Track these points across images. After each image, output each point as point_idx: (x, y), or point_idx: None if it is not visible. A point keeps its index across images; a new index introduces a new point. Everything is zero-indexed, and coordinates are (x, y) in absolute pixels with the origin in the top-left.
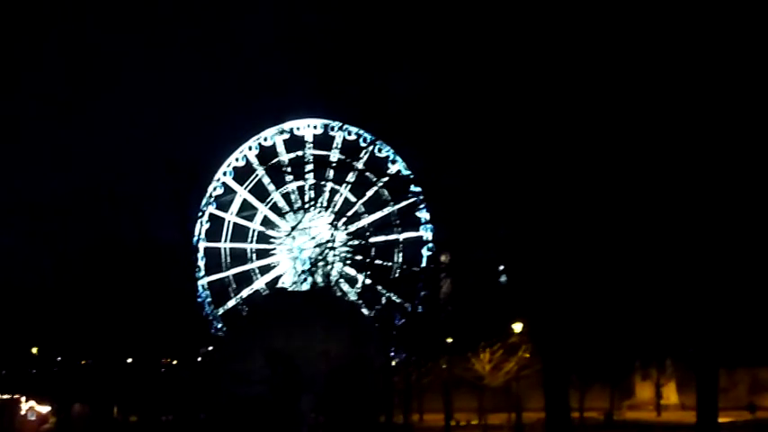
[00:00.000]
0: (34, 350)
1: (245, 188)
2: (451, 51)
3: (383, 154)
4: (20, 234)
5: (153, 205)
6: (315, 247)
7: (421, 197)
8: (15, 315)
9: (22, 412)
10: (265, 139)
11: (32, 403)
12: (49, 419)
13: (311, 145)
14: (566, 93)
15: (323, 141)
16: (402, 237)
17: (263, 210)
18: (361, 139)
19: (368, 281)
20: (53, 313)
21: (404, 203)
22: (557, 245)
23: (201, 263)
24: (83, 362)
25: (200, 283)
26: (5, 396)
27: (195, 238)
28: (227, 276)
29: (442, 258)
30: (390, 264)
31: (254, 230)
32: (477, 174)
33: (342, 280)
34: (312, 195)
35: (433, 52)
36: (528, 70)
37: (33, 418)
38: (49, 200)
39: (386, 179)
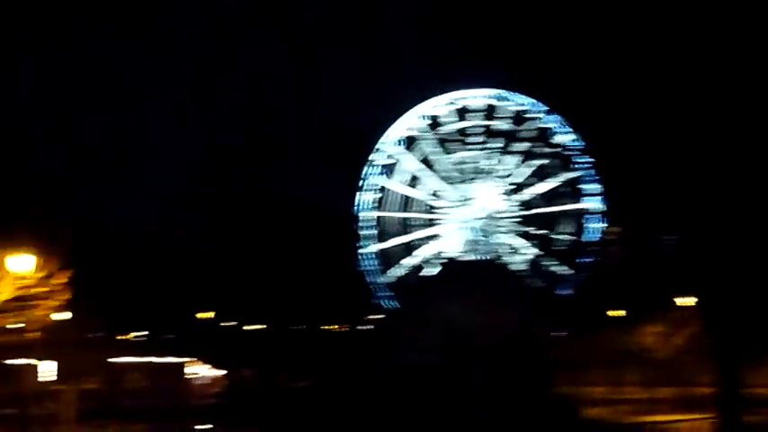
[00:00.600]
0: (205, 315)
1: (413, 157)
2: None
3: (552, 124)
4: (189, 200)
5: (319, 173)
6: (482, 217)
7: (591, 168)
8: (185, 280)
9: (190, 375)
10: (434, 108)
11: (202, 367)
12: (217, 383)
13: (480, 114)
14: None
15: (491, 111)
16: (570, 207)
17: (430, 179)
18: (530, 109)
19: (535, 252)
20: (222, 279)
21: (573, 174)
22: (733, 221)
23: (366, 231)
24: (251, 327)
25: (364, 251)
26: (174, 359)
27: (360, 207)
28: (393, 246)
29: (612, 230)
30: (557, 235)
31: (420, 200)
32: (655, 146)
33: (509, 250)
34: (480, 165)
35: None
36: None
37: (203, 381)
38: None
39: (555, 149)
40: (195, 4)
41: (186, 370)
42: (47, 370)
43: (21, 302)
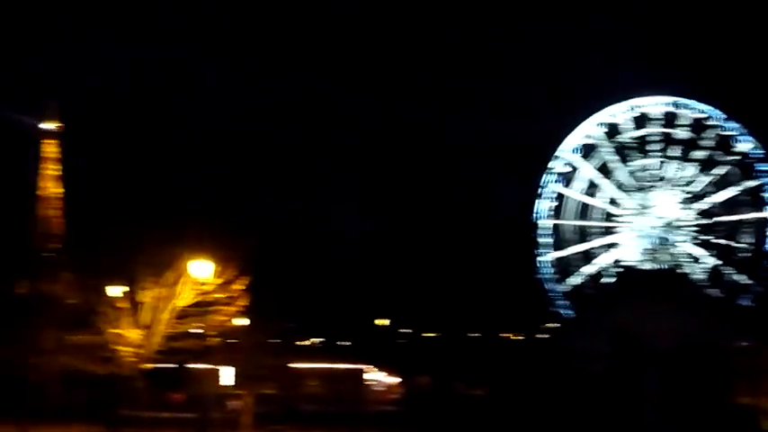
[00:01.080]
0: (382, 322)
1: (591, 165)
2: None
3: (732, 131)
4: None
5: (497, 181)
6: (660, 226)
7: None
8: (364, 286)
9: (370, 382)
10: (613, 116)
11: (378, 374)
12: (394, 390)
13: (659, 122)
14: None
15: (670, 119)
16: (751, 216)
17: (608, 187)
18: (710, 116)
19: (714, 261)
20: (400, 286)
21: (754, 182)
22: None
23: (544, 239)
24: (427, 335)
25: (541, 259)
26: (353, 366)
27: (538, 215)
28: (571, 254)
29: None
30: (737, 244)
31: (598, 208)
32: None
33: (688, 260)
34: (659, 173)
35: None
36: None
37: (380, 388)
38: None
39: (735, 157)
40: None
41: (364, 376)
42: (226, 375)
43: (201, 308)
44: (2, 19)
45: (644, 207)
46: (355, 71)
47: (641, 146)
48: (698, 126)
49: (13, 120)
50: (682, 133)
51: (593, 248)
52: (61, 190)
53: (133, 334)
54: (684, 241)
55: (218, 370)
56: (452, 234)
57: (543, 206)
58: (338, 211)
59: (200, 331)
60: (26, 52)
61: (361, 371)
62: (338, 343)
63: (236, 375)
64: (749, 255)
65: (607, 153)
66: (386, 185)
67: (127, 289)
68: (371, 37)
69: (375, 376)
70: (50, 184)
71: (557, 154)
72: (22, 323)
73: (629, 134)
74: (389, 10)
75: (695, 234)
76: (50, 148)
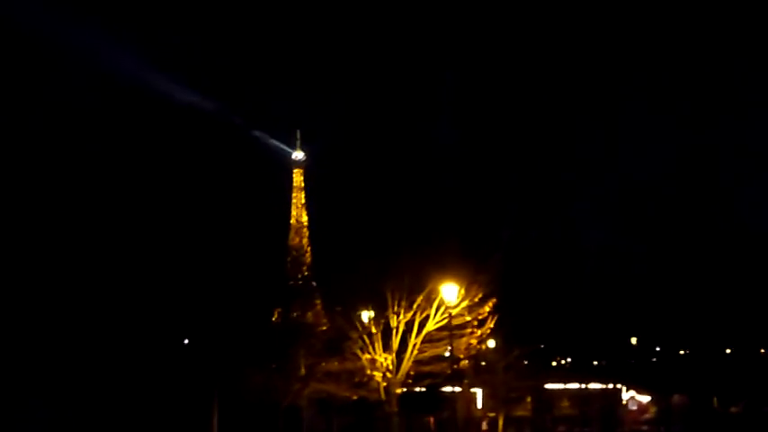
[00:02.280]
0: (633, 340)
1: None
2: None
3: None
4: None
5: (749, 194)
6: None
7: None
8: (614, 305)
9: (624, 402)
10: None
11: (633, 393)
12: (649, 409)
13: None
14: None
15: None
16: None
17: None
18: None
19: None
20: (650, 302)
21: None
22: None
23: None
24: (682, 352)
25: None
26: (607, 386)
27: None
28: None
29: None
30: None
31: None
32: None
33: None
34: None
35: None
36: None
37: (634, 408)
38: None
39: None
40: None
41: (622, 396)
42: (477, 397)
43: (449, 331)
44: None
45: None
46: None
47: None
48: None
49: (270, 148)
50: None
51: None
52: (305, 219)
53: (385, 359)
54: None
55: (472, 393)
56: (706, 246)
57: None
58: (586, 227)
59: (450, 354)
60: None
61: (619, 390)
62: (590, 362)
63: (487, 398)
64: None
65: None
66: (637, 198)
67: (373, 314)
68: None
69: (628, 395)
70: (300, 213)
71: None
72: (277, 351)
73: None
74: None
75: None
76: (298, 177)
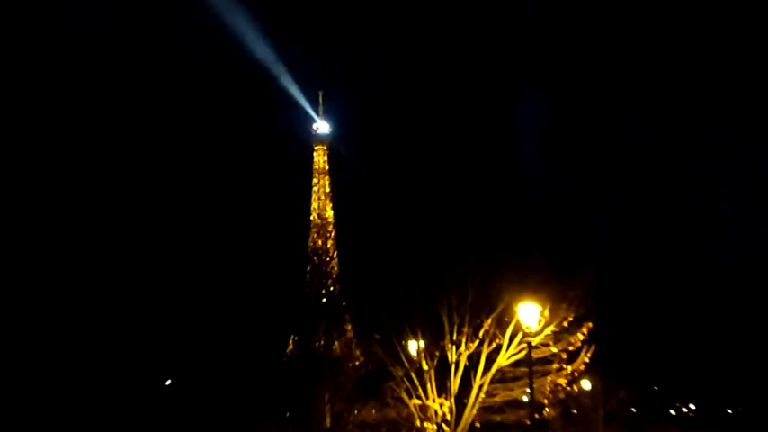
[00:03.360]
0: None
1: None
2: None
3: None
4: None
5: None
6: None
7: None
8: (757, 333)
9: None
10: None
11: None
12: None
13: None
14: None
15: None
16: None
17: None
18: None
19: None
20: None
21: None
22: None
23: None
24: None
25: None
26: None
27: None
28: None
29: None
30: None
31: None
32: None
33: None
34: None
35: None
36: None
37: None
38: None
39: None
40: None
41: None
42: None
43: (529, 367)
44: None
45: None
46: None
47: None
48: None
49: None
50: None
51: None
52: (330, 214)
53: (440, 405)
54: None
55: None
56: None
57: None
58: (721, 232)
59: (530, 399)
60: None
61: None
62: (722, 410)
63: None
64: None
65: None
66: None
67: (425, 345)
68: None
69: None
70: (323, 206)
71: None
72: (293, 394)
73: None
74: None
75: None
76: (320, 157)
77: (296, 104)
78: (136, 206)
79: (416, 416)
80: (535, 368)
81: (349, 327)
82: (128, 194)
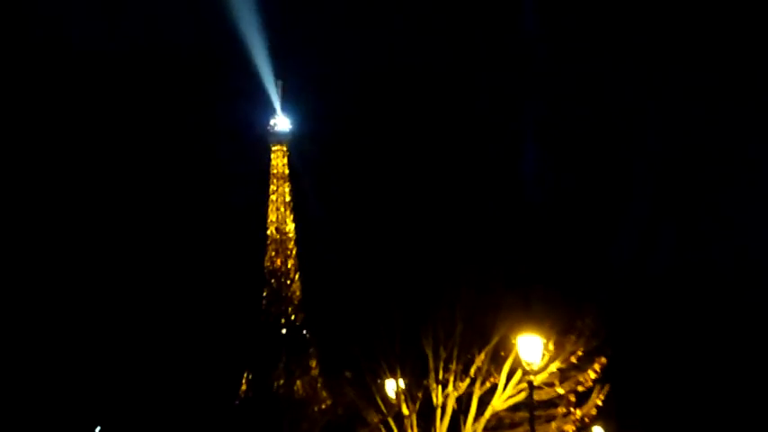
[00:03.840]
0: None
1: None
2: None
3: None
4: None
5: None
6: None
7: None
8: None
9: None
10: None
11: None
12: None
13: None
14: None
15: None
16: None
17: None
18: None
19: None
20: None
21: None
22: None
23: None
24: None
25: None
26: None
27: None
28: None
29: None
30: None
31: None
32: None
33: None
34: None
35: None
36: None
37: None
38: None
39: None
40: None
41: None
42: None
43: (531, 411)
44: None
45: None
46: None
47: None
48: None
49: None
50: None
51: None
52: (291, 227)
53: None
54: None
55: None
56: None
57: None
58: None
59: None
60: None
61: None
62: None
63: None
64: None
65: None
66: None
67: (405, 384)
68: None
69: None
70: (283, 218)
71: None
72: None
73: None
74: None
75: None
76: (279, 159)
77: (253, 96)
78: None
79: None
80: (538, 413)
81: (314, 363)
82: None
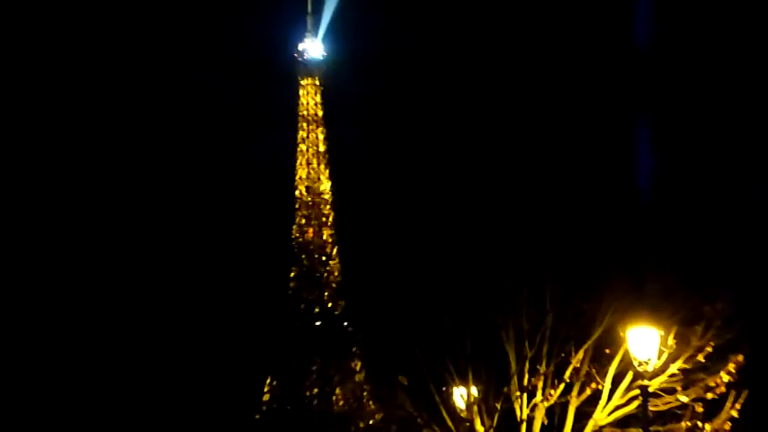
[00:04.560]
0: None
1: None
2: None
3: None
4: None
5: None
6: None
7: None
8: None
9: None
10: None
11: None
12: None
13: None
14: None
15: None
16: None
17: None
18: None
19: None
20: None
21: None
22: None
23: None
24: None
25: None
26: None
27: None
28: None
29: None
30: None
31: None
32: None
33: None
34: None
35: None
36: None
37: None
38: None
39: None
40: None
41: None
42: None
43: (645, 427)
44: None
45: None
46: None
47: None
48: None
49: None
50: None
51: None
52: (326, 186)
53: None
54: None
55: None
56: None
57: None
58: None
59: None
60: None
61: None
62: None
63: None
64: None
65: None
66: None
67: (479, 392)
68: None
69: None
70: (317, 173)
71: None
72: None
73: None
74: None
75: None
76: (309, 95)
77: (275, 11)
78: None
79: None
80: (655, 428)
81: (358, 366)
82: None
